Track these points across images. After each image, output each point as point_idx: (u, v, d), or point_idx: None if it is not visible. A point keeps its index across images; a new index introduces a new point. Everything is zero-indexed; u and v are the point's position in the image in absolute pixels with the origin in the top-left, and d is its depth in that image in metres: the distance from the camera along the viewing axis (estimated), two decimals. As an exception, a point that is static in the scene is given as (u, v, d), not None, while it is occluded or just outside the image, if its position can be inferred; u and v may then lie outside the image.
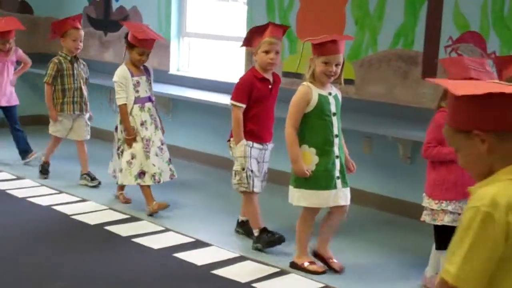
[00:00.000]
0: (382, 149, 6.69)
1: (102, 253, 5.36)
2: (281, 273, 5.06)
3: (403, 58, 6.61)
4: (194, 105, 8.07)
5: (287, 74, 7.37)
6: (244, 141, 5.41)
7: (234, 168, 5.50)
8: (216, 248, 5.51)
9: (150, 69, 6.52)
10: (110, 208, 6.42)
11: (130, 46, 6.30)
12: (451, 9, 6.24)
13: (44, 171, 7.45)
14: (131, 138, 6.27)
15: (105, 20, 9.43)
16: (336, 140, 4.92)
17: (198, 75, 8.48)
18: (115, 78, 6.33)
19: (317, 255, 5.18)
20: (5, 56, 7.83)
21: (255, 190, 5.49)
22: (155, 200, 6.29)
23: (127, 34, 6.34)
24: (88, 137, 7.32)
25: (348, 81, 6.74)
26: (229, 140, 5.61)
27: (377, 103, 6.77)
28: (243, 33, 7.70)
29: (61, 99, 7.15)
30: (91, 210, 6.35)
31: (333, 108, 4.94)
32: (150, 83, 6.47)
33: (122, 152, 6.37)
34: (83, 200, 6.64)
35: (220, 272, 5.03)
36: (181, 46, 8.75)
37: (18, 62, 8.08)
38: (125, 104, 6.29)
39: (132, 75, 6.33)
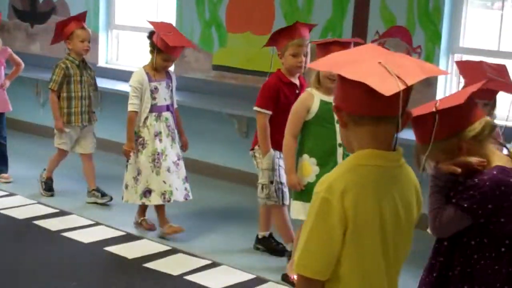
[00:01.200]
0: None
1: (30, 247, 5.30)
2: (213, 265, 5.10)
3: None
4: (123, 98, 7.98)
5: (217, 68, 7.41)
6: (271, 152, 4.99)
7: (260, 181, 5.05)
8: (147, 241, 5.51)
9: (172, 75, 5.83)
10: (39, 203, 6.33)
11: (155, 49, 5.58)
12: (377, 4, 6.36)
13: (48, 187, 6.60)
14: (128, 149, 5.62)
15: (32, 12, 9.27)
16: (339, 150, 4.51)
17: (127, 67, 8.42)
18: (130, 81, 5.66)
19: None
20: None
21: (285, 202, 5.07)
22: (169, 222, 5.66)
23: (151, 34, 5.63)
24: (94, 150, 6.59)
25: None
26: (252, 149, 5.20)
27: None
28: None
29: (67, 109, 6.36)
30: (18, 205, 6.26)
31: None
32: (172, 90, 5.76)
33: (128, 164, 5.72)
34: (11, 195, 6.54)
35: (151, 265, 5.04)
36: (110, 39, 8.67)
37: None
38: (135, 112, 5.58)
39: (150, 80, 5.61)
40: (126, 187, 5.69)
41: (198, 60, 7.62)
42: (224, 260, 5.20)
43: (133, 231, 5.70)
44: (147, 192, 5.55)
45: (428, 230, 2.82)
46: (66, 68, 6.31)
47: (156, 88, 5.62)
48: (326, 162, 4.51)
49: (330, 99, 4.36)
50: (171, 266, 5.03)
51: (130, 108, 5.61)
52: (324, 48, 4.48)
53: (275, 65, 5.01)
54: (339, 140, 4.44)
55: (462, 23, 6.10)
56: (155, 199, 5.55)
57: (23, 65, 7.14)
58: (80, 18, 6.46)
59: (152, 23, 5.82)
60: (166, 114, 5.67)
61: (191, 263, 5.10)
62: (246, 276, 4.93)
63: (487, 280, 2.61)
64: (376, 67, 2.09)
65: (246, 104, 6.18)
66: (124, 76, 8.22)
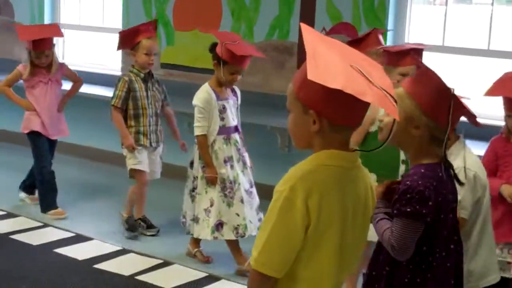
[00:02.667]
0: (261, 139, 6.80)
1: (-21, 251, 5.24)
2: (165, 264, 5.09)
3: (279, 49, 6.74)
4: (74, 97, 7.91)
5: (165, 66, 7.39)
6: None
7: None
8: (97, 242, 5.48)
9: (237, 91, 5.22)
10: (-14, 205, 6.25)
11: (220, 62, 4.92)
12: (324, 1, 6.41)
13: (132, 227, 5.68)
14: (213, 176, 4.97)
15: (-25, 11, 9.11)
16: (402, 167, 4.18)
17: (74, 67, 8.32)
18: (195, 101, 5.00)
19: None
20: (46, 73, 6.07)
21: None
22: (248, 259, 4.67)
23: (214, 46, 4.98)
24: (159, 175, 5.87)
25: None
26: None
27: (253, 93, 6.87)
28: (119, 25, 7.67)
29: (135, 128, 5.59)
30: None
31: (403, 155, 4.23)
32: (237, 108, 5.19)
33: (196, 194, 5.08)
34: (-44, 198, 6.44)
35: (102, 266, 5.01)
36: (56, 38, 8.55)
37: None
38: (205, 135, 4.98)
39: (218, 98, 4.99)
40: (197, 220, 5.05)
41: (146, 58, 7.58)
42: (176, 259, 5.19)
43: (83, 232, 5.65)
44: (219, 225, 4.97)
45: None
46: (129, 82, 5.56)
47: (224, 107, 4.99)
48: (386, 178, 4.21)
49: None
50: (122, 266, 5.01)
51: (198, 131, 4.98)
52: (401, 56, 4.14)
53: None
54: (402, 157, 4.16)
55: (407, 19, 6.19)
56: (227, 234, 4.97)
57: (81, 81, 6.38)
58: (149, 26, 5.70)
59: (214, 32, 5.31)
60: (235, 136, 5.10)
61: (142, 263, 5.09)
62: (198, 274, 4.94)
63: (442, 279, 2.63)
64: (363, 79, 2.09)
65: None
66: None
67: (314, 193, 2.12)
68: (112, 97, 5.56)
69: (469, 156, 2.78)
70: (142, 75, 5.59)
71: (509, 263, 3.76)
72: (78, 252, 5.24)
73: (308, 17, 6.51)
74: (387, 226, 2.62)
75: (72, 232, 5.63)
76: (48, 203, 6.06)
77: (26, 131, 6.11)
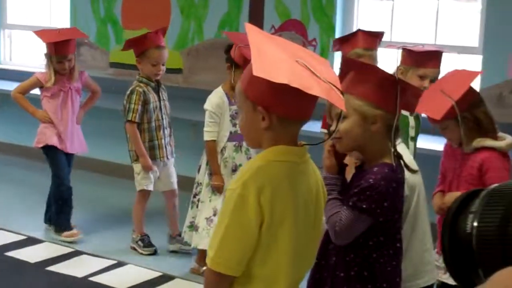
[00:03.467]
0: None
1: None
2: (118, 264, 5.06)
3: (230, 46, 6.72)
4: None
5: (114, 65, 7.35)
6: None
7: None
8: (49, 244, 5.42)
9: None
10: None
11: (233, 65, 4.71)
12: (272, -2, 6.44)
13: (147, 244, 5.33)
14: (220, 184, 4.78)
15: None
16: None
17: (21, 67, 8.24)
18: (207, 105, 4.82)
19: None
20: (66, 81, 5.51)
21: None
22: None
23: (229, 48, 4.79)
24: (176, 186, 5.46)
25: (176, 70, 6.82)
26: None
27: (205, 91, 6.86)
28: (67, 24, 7.59)
29: (150, 142, 5.23)
30: None
31: (411, 132, 4.17)
32: None
33: (198, 201, 4.89)
34: None
35: (55, 268, 4.96)
36: (2, 38, 8.46)
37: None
38: (214, 141, 4.80)
39: (230, 103, 4.74)
40: (196, 229, 4.83)
41: (95, 58, 7.54)
42: (129, 259, 5.17)
43: (35, 234, 5.58)
44: None
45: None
46: (143, 94, 5.14)
47: (237, 113, 4.54)
48: None
49: (406, 112, 3.72)
50: (75, 268, 4.97)
51: (207, 137, 4.79)
52: (420, 55, 4.04)
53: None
54: (411, 134, 4.14)
55: (355, 15, 6.25)
56: None
57: (100, 91, 5.79)
58: (159, 33, 5.23)
59: (228, 33, 4.90)
60: None
61: (95, 264, 5.05)
62: (152, 274, 4.92)
63: (387, 277, 2.65)
64: (309, 74, 2.11)
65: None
66: (18, 76, 8.05)
67: (266, 189, 2.14)
68: (128, 112, 5.10)
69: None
70: (152, 84, 5.19)
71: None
72: (30, 254, 5.18)
73: (257, 14, 6.54)
74: (337, 210, 2.62)
75: (23, 235, 5.56)
76: (62, 224, 5.54)
77: (41, 145, 5.56)
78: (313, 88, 2.06)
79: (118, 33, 7.37)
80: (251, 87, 2.18)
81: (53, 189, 5.60)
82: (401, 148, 2.83)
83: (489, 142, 3.35)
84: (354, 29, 6.22)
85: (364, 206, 2.56)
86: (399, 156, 2.69)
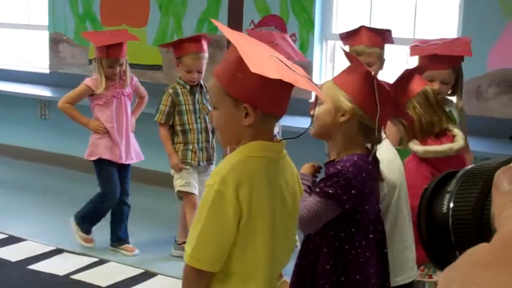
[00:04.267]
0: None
1: None
2: (100, 262, 5.05)
3: (209, 42, 6.72)
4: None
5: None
6: None
7: None
8: (30, 243, 5.39)
9: None
10: None
11: None
12: (251, -6, 6.44)
13: None
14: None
15: None
16: None
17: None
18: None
19: None
20: (119, 87, 5.14)
21: None
22: None
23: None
24: None
25: (156, 67, 6.80)
26: None
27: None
28: (45, 21, 7.55)
29: (181, 144, 5.03)
30: None
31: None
32: None
33: None
34: None
35: (36, 266, 4.94)
36: (-20, 37, 8.41)
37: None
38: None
39: None
40: None
41: (74, 55, 7.50)
42: (111, 256, 5.16)
43: (16, 233, 5.56)
44: None
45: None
46: (174, 95, 4.98)
47: None
48: None
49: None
50: (57, 266, 4.95)
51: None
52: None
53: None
54: None
55: (334, 10, 6.26)
56: None
57: (147, 96, 5.42)
58: (199, 39, 5.03)
59: (250, 31, 4.83)
60: None
61: (77, 262, 5.04)
62: (134, 271, 4.91)
63: (360, 268, 2.66)
64: (288, 68, 2.13)
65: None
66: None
67: (244, 185, 2.14)
68: (156, 112, 5.01)
69: (380, 153, 2.76)
70: (188, 87, 4.99)
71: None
72: (11, 253, 5.15)
73: (236, 10, 6.53)
74: (304, 199, 2.61)
75: (4, 234, 5.53)
76: (85, 227, 5.28)
77: (93, 158, 5.17)
78: (298, 81, 2.08)
79: (97, 30, 7.33)
80: (235, 85, 2.17)
81: (96, 199, 5.23)
82: (386, 151, 2.85)
83: (411, 145, 3.27)
84: (333, 24, 6.27)
85: (330, 191, 2.55)
86: (376, 161, 2.69)
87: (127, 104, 5.19)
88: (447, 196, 0.75)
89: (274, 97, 2.18)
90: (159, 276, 4.85)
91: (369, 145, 2.69)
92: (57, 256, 5.14)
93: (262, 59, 2.09)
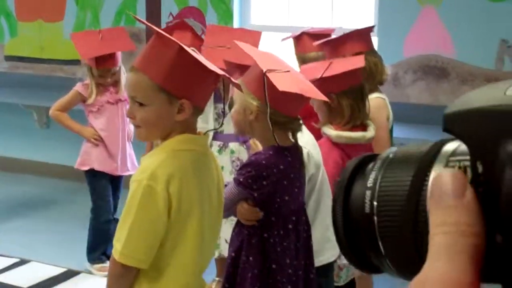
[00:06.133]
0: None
1: None
2: (21, 262, 4.94)
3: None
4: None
5: (9, 58, 7.16)
6: None
7: None
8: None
9: None
10: None
11: None
12: (169, -14, 6.39)
13: None
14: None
15: None
16: None
17: None
18: None
19: None
20: (113, 92, 4.74)
21: None
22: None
23: None
24: None
25: (73, 62, 6.69)
26: None
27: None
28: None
29: None
30: None
31: None
32: None
33: None
34: None
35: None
36: None
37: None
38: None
39: (218, 100, 4.14)
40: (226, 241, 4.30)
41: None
42: (32, 256, 5.05)
43: None
44: None
45: None
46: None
47: (223, 111, 3.98)
48: None
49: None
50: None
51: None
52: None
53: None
54: None
55: (252, 0, 6.27)
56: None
57: None
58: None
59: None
60: (234, 146, 4.30)
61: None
62: (57, 270, 4.83)
63: (277, 257, 2.70)
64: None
65: (44, 94, 6.03)
66: None
67: (174, 179, 2.14)
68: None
69: (301, 135, 2.84)
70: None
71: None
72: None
73: (154, 2, 6.47)
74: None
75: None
76: (95, 255, 4.85)
77: (85, 169, 4.79)
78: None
79: (12, 25, 7.17)
80: (171, 81, 2.16)
81: (91, 219, 4.85)
82: (308, 133, 2.94)
83: (325, 129, 3.26)
84: (252, 15, 6.27)
85: (241, 179, 2.67)
86: (299, 150, 2.77)
87: (123, 110, 4.66)
88: (368, 193, 0.60)
89: (206, 92, 2.24)
90: (82, 274, 4.80)
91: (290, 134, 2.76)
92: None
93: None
